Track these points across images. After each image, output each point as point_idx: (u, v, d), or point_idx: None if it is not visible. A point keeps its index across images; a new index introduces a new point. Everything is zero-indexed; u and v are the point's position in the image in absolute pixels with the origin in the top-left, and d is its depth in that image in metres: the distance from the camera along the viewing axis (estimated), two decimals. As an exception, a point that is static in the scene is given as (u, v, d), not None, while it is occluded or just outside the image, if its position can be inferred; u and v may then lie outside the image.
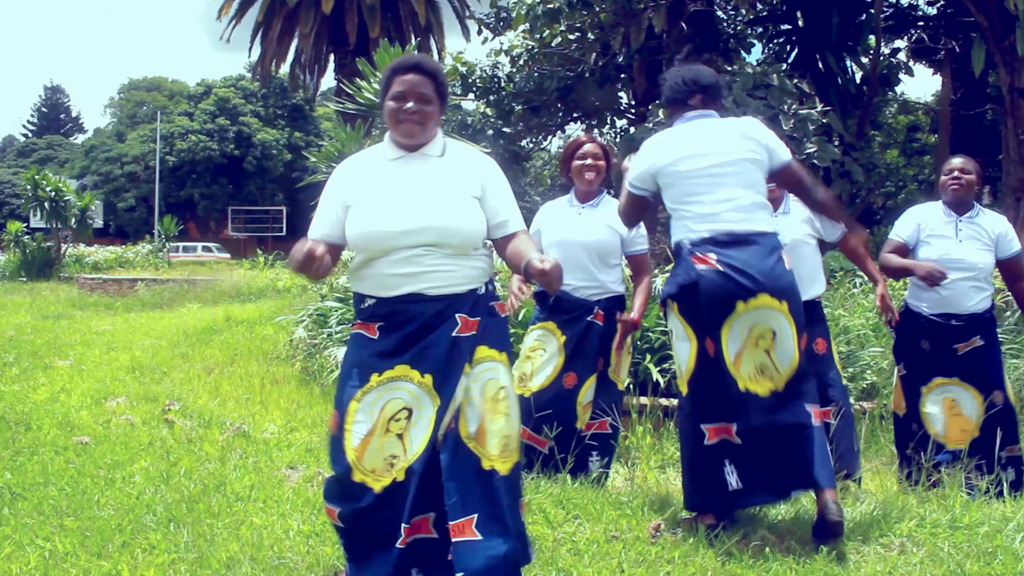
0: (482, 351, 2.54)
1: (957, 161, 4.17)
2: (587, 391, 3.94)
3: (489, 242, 2.68)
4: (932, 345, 4.08)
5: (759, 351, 3.12)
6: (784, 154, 3.31)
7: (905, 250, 4.19)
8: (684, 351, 3.24)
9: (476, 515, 2.40)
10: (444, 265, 2.51)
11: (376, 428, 2.47)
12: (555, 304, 3.95)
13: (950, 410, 4.01)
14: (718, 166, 3.21)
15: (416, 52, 9.16)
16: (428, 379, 2.48)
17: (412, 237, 2.48)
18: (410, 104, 2.53)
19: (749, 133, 3.30)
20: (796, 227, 4.00)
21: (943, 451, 4.01)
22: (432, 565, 2.47)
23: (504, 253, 2.64)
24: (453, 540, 2.39)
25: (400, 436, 2.47)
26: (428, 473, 2.44)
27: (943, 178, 4.16)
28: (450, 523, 2.39)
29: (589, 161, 4.02)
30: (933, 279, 3.90)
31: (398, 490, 2.43)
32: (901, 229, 4.22)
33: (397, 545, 2.43)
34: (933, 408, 4.06)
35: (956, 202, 4.12)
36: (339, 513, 2.51)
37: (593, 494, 3.60)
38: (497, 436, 2.48)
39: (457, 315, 2.51)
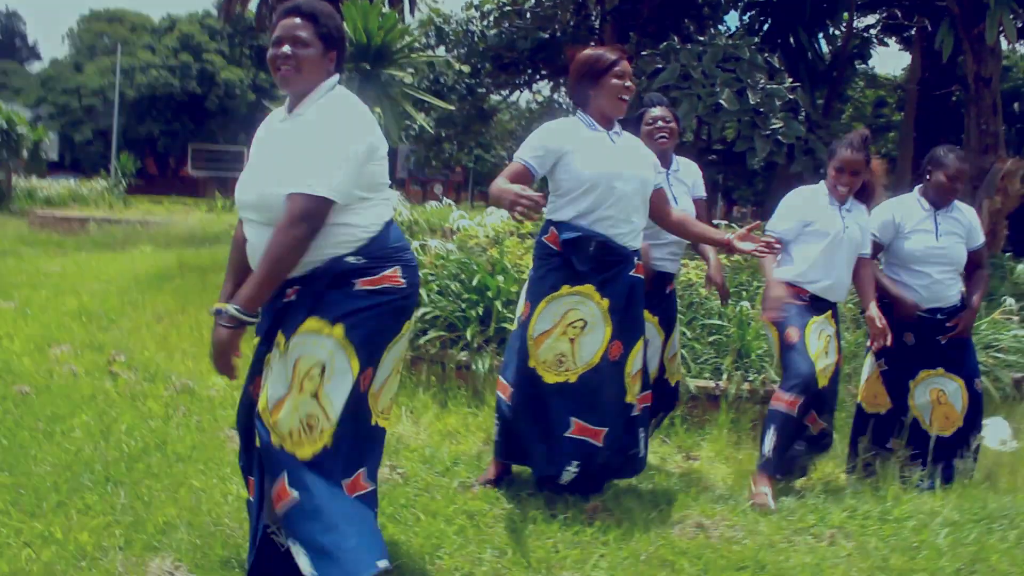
0: (310, 323, 2.25)
1: (953, 165, 3.95)
2: (635, 359, 3.34)
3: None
4: (916, 338, 4.03)
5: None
6: None
7: (880, 249, 4.08)
8: None
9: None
10: None
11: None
12: (596, 258, 3.22)
13: (937, 400, 4.03)
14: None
15: None
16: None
17: (244, 210, 2.38)
18: (284, 48, 2.33)
19: None
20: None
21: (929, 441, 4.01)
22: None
23: None
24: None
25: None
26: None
27: (940, 180, 3.96)
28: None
29: (628, 83, 3.30)
30: (908, 314, 3.94)
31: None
32: (876, 228, 4.02)
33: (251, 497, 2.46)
34: (922, 399, 4.05)
35: (942, 203, 4.02)
36: None
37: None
38: (300, 415, 2.24)
39: (289, 288, 2.31)
